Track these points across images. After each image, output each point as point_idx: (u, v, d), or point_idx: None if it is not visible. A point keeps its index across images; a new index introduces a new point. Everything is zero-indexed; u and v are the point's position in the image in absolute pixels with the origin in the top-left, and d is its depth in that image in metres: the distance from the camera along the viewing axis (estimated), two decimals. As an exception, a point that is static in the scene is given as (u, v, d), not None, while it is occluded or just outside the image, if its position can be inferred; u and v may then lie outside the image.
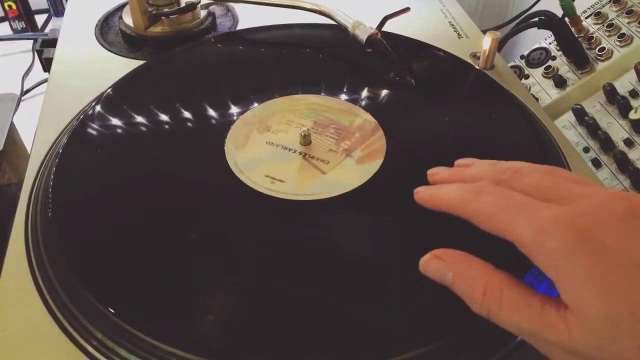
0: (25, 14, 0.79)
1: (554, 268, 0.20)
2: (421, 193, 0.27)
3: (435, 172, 0.29)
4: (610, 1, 0.53)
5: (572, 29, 0.53)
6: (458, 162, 0.30)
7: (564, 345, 0.20)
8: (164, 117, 0.39)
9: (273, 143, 0.37)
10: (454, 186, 0.26)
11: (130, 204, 0.33)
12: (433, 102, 0.42)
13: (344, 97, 0.41)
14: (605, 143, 0.47)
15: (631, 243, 0.19)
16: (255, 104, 0.41)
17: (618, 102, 0.48)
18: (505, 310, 0.21)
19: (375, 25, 0.45)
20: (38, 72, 0.69)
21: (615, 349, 0.18)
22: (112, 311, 0.27)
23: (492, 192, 0.24)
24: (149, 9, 0.49)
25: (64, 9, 0.75)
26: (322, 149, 0.37)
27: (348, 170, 0.35)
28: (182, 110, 0.40)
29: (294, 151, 0.36)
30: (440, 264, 0.24)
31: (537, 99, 0.53)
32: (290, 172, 0.35)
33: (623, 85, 0.48)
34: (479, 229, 0.28)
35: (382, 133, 0.38)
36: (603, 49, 0.51)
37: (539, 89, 0.55)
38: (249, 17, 0.55)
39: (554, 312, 0.20)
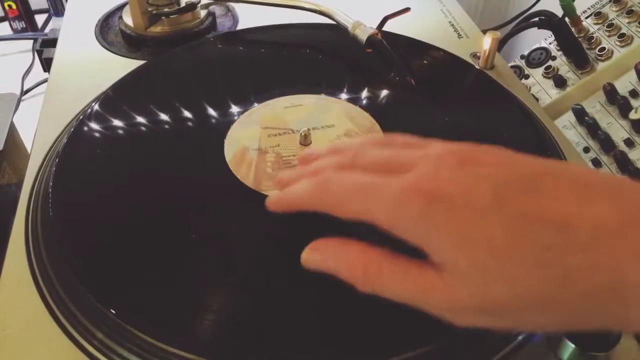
0: (25, 14, 0.79)
1: (415, 236, 0.21)
2: (270, 200, 0.27)
3: (281, 178, 0.28)
4: (610, 1, 0.53)
5: (572, 29, 0.53)
6: (299, 157, 0.30)
7: (450, 303, 0.20)
8: (163, 117, 0.39)
9: (274, 135, 0.37)
10: (300, 183, 0.26)
11: (130, 203, 0.33)
12: (433, 102, 0.42)
13: (344, 96, 0.41)
14: (606, 143, 0.47)
15: (471, 190, 0.20)
16: (256, 104, 0.41)
17: (618, 102, 0.48)
18: (387, 282, 0.22)
19: (375, 25, 0.45)
20: (38, 72, 0.69)
21: (492, 292, 0.19)
22: (113, 311, 0.27)
23: (337, 180, 0.24)
24: (149, 9, 0.49)
25: (64, 9, 0.75)
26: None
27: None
28: (182, 111, 0.40)
29: (293, 150, 0.36)
30: (318, 256, 0.24)
31: (537, 99, 0.53)
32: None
33: (623, 85, 0.48)
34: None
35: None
36: (603, 49, 0.51)
37: (539, 89, 0.55)
38: (249, 17, 0.55)
39: (431, 274, 0.21)
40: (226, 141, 0.37)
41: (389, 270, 0.22)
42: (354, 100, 0.41)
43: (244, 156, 0.36)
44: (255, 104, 0.40)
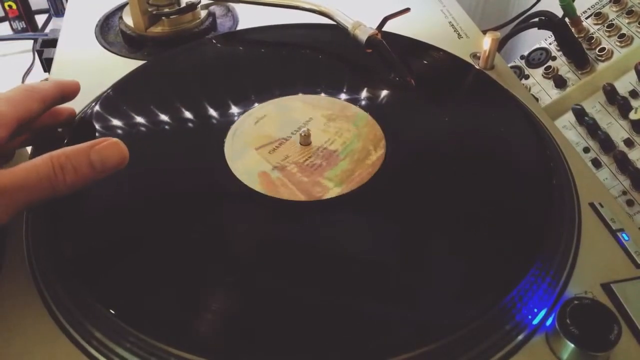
0: (26, 14, 0.79)
1: None
2: None
3: None
4: (610, 1, 0.53)
5: (572, 29, 0.53)
6: None
7: None
8: (163, 118, 0.39)
9: (274, 150, 0.37)
10: None
11: (130, 204, 0.33)
12: (433, 103, 0.42)
13: (343, 97, 0.42)
14: (606, 143, 0.47)
15: None
16: (256, 104, 0.41)
17: (618, 103, 0.48)
18: None
19: (375, 25, 0.45)
20: (38, 72, 0.69)
21: None
22: (112, 311, 0.27)
23: None
24: (149, 9, 0.49)
25: (64, 9, 0.75)
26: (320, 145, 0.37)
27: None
28: (182, 111, 0.40)
29: (304, 154, 0.37)
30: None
31: (537, 99, 0.53)
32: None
33: (623, 86, 0.48)
34: (479, 226, 0.28)
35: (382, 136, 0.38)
36: (603, 49, 0.51)
37: (539, 89, 0.55)
38: (249, 18, 0.55)
39: None
40: (238, 174, 0.35)
41: None
42: (354, 100, 0.41)
43: (271, 180, 0.34)
44: (256, 104, 0.40)
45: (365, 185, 0.34)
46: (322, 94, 0.41)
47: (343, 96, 0.42)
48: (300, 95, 0.41)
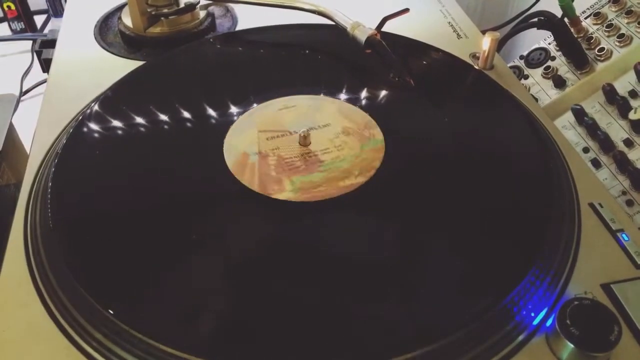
0: (25, 15, 0.79)
1: None
2: None
3: None
4: (609, 1, 0.53)
5: (572, 29, 0.53)
6: None
7: None
8: (162, 118, 0.39)
9: (273, 138, 0.37)
10: None
11: (129, 204, 0.33)
12: (432, 103, 0.42)
13: (343, 97, 0.41)
14: (605, 143, 0.47)
15: None
16: (255, 105, 0.40)
17: (617, 103, 0.48)
18: None
19: (374, 26, 0.45)
20: (37, 73, 0.69)
21: None
22: (111, 312, 0.27)
23: None
24: (148, 10, 0.49)
25: (63, 10, 0.75)
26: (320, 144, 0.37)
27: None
28: (181, 111, 0.40)
29: (294, 152, 0.36)
30: None
31: (536, 99, 0.53)
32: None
33: (622, 86, 0.48)
34: (479, 227, 0.28)
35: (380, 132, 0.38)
36: (602, 49, 0.51)
37: (539, 89, 0.55)
38: (248, 18, 0.55)
39: None
40: (225, 147, 0.37)
41: None
42: (354, 100, 0.41)
43: (246, 161, 0.36)
44: (252, 106, 0.40)
45: (319, 202, 0.33)
46: (357, 108, 0.40)
47: (341, 96, 0.41)
48: (338, 101, 0.41)
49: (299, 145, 0.37)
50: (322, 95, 0.42)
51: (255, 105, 0.40)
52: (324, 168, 0.35)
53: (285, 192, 0.34)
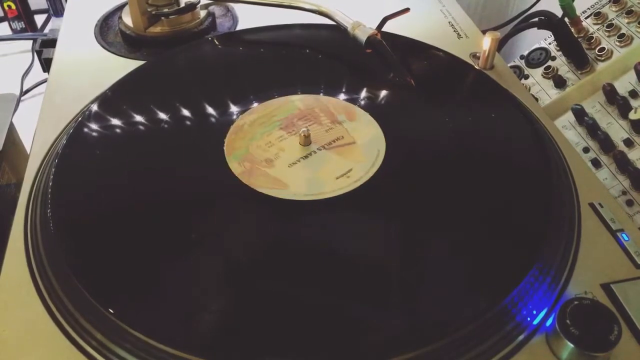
0: (25, 14, 0.78)
1: None
2: None
3: None
4: (610, 1, 0.53)
5: (572, 29, 0.53)
6: None
7: None
8: (163, 118, 0.39)
9: (272, 143, 0.37)
10: None
11: (129, 204, 0.33)
12: (433, 103, 0.42)
13: (343, 97, 0.41)
14: (605, 143, 0.47)
15: None
16: (255, 104, 0.40)
17: (618, 102, 0.48)
18: None
19: (375, 25, 0.45)
20: (37, 73, 0.69)
21: None
22: (111, 311, 0.27)
23: None
24: (149, 9, 0.49)
25: (63, 9, 0.75)
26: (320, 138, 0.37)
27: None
28: (182, 111, 0.40)
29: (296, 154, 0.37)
30: None
31: (536, 99, 0.53)
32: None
33: (623, 86, 0.48)
34: (479, 227, 0.28)
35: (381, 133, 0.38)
36: (603, 49, 0.51)
37: (539, 89, 0.55)
38: (248, 18, 0.55)
39: None
40: (226, 151, 0.36)
41: None
42: (353, 100, 0.41)
43: (252, 164, 0.35)
44: (255, 104, 0.40)
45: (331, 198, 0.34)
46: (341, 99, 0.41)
47: (343, 96, 0.41)
48: (365, 112, 0.40)
49: (300, 146, 0.37)
50: (321, 94, 0.42)
51: (251, 106, 0.40)
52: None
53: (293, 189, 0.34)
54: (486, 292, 0.28)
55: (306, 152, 0.36)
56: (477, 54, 0.48)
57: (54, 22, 0.79)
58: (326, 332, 0.26)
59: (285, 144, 0.37)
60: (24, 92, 0.70)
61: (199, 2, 0.51)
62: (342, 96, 0.42)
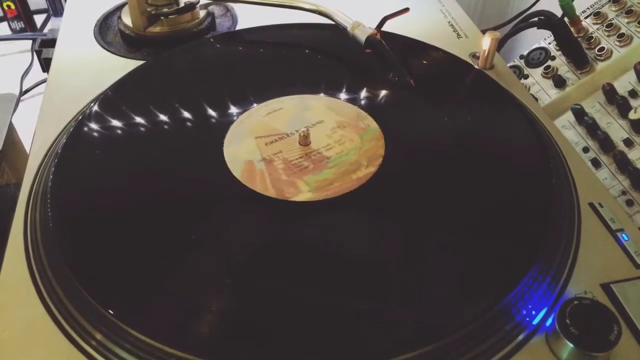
0: (24, 14, 0.78)
1: None
2: None
3: None
4: (609, 1, 0.53)
5: (572, 29, 0.53)
6: None
7: None
8: (162, 118, 0.39)
9: (272, 143, 0.37)
10: None
11: (130, 204, 0.33)
12: (432, 102, 0.42)
13: (343, 97, 0.41)
14: (605, 143, 0.47)
15: None
16: (255, 104, 0.40)
17: (617, 102, 0.48)
18: None
19: (374, 25, 0.45)
20: (37, 72, 0.69)
21: None
22: (111, 312, 0.27)
23: None
24: (148, 9, 0.49)
25: (62, 9, 0.75)
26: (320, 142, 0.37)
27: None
28: (181, 111, 0.40)
29: (297, 153, 0.36)
30: None
31: (536, 99, 0.53)
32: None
33: (622, 85, 0.48)
34: (477, 228, 0.28)
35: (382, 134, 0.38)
36: (602, 48, 0.51)
37: (539, 88, 0.55)
38: (248, 17, 0.55)
39: None
40: (226, 157, 0.36)
41: None
42: (353, 100, 0.41)
43: (253, 169, 0.35)
44: (255, 104, 0.40)
45: (338, 197, 0.33)
46: (343, 101, 0.40)
47: (342, 96, 0.41)
48: (322, 96, 0.41)
49: (300, 146, 0.37)
50: (303, 94, 0.42)
51: (251, 107, 0.40)
52: (332, 164, 0.36)
53: (303, 193, 0.33)
54: (486, 292, 0.28)
55: (306, 152, 0.36)
56: (477, 54, 0.48)
57: (53, 22, 0.79)
58: (326, 332, 0.26)
59: (285, 144, 0.37)
60: (23, 92, 0.69)
61: (198, 2, 0.51)
62: (341, 96, 0.41)
